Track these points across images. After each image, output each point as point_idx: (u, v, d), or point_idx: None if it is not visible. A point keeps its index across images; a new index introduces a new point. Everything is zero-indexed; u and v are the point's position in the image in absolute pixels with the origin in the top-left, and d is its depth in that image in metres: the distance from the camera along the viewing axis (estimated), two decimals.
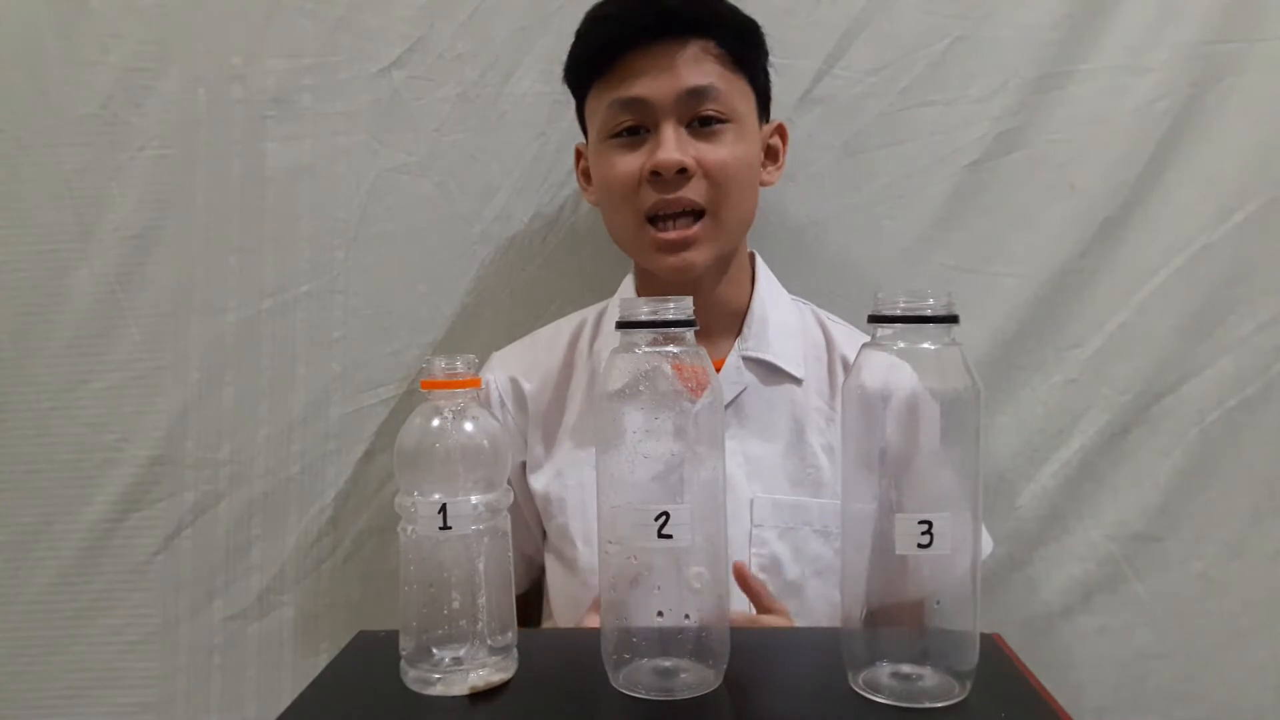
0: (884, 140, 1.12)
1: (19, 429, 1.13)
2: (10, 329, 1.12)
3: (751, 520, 0.92)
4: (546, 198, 1.14)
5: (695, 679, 0.63)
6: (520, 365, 1.03)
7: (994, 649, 0.69)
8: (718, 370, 0.93)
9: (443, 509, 0.62)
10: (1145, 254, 1.09)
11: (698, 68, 0.91)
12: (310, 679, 0.67)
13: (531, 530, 1.00)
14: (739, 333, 0.99)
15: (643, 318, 0.62)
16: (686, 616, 0.63)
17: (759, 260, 1.04)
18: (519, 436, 1.00)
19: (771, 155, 1.02)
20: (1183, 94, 1.08)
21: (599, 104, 0.95)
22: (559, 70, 1.02)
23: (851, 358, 0.98)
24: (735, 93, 0.94)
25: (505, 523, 0.67)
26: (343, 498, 1.14)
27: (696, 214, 0.93)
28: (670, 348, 0.62)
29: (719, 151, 0.92)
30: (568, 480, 0.96)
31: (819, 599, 0.93)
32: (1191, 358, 1.09)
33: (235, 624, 1.13)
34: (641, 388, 0.62)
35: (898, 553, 0.59)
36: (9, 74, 1.11)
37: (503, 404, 1.01)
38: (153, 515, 1.13)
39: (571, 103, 1.04)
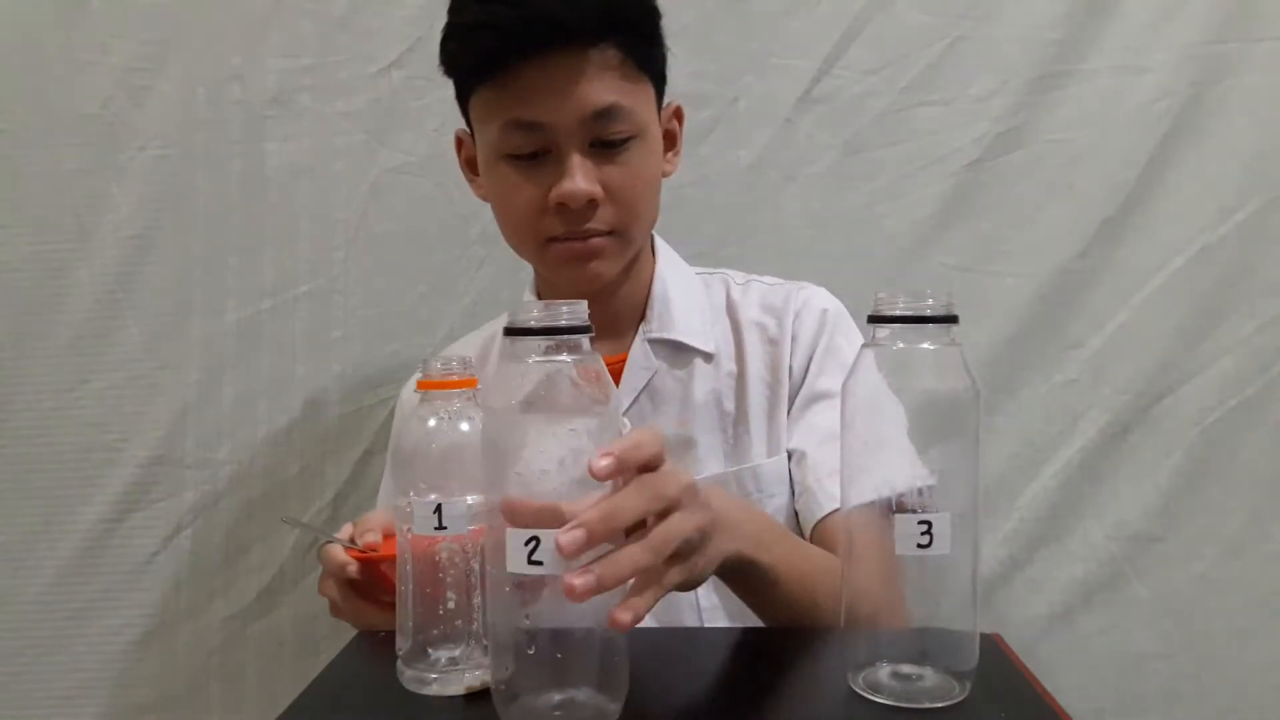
0: (884, 140, 1.12)
1: (19, 429, 1.13)
2: (10, 329, 1.12)
3: None
4: None
5: (592, 712, 0.56)
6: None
7: (994, 649, 0.69)
8: (623, 361, 0.92)
9: (438, 509, 0.62)
10: (1145, 254, 1.09)
11: (600, 84, 0.82)
12: (309, 679, 0.67)
13: None
14: (643, 316, 0.95)
15: (533, 324, 0.55)
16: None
17: (659, 242, 0.99)
18: None
19: (669, 141, 0.93)
20: (1183, 94, 1.08)
21: (488, 116, 0.85)
22: None
23: (754, 315, 0.95)
24: (639, 103, 0.85)
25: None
26: (343, 498, 1.14)
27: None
28: (565, 356, 0.55)
29: (625, 173, 0.85)
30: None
31: None
32: (1191, 358, 1.08)
33: (234, 624, 1.13)
34: (532, 400, 0.55)
35: (897, 553, 0.58)
36: (9, 74, 1.11)
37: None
38: (152, 515, 1.13)
39: None
